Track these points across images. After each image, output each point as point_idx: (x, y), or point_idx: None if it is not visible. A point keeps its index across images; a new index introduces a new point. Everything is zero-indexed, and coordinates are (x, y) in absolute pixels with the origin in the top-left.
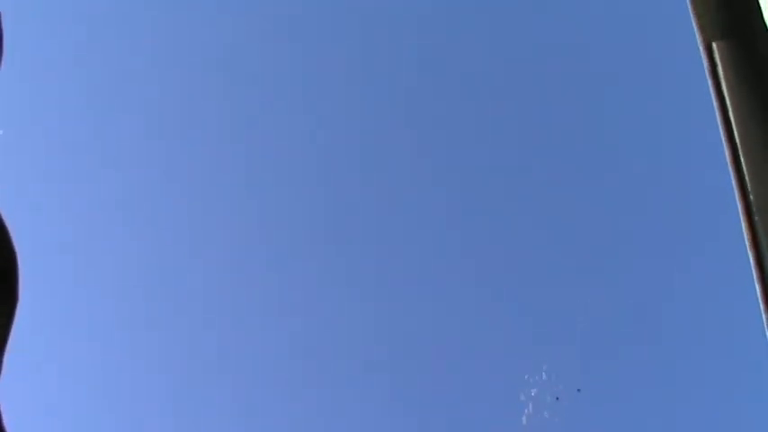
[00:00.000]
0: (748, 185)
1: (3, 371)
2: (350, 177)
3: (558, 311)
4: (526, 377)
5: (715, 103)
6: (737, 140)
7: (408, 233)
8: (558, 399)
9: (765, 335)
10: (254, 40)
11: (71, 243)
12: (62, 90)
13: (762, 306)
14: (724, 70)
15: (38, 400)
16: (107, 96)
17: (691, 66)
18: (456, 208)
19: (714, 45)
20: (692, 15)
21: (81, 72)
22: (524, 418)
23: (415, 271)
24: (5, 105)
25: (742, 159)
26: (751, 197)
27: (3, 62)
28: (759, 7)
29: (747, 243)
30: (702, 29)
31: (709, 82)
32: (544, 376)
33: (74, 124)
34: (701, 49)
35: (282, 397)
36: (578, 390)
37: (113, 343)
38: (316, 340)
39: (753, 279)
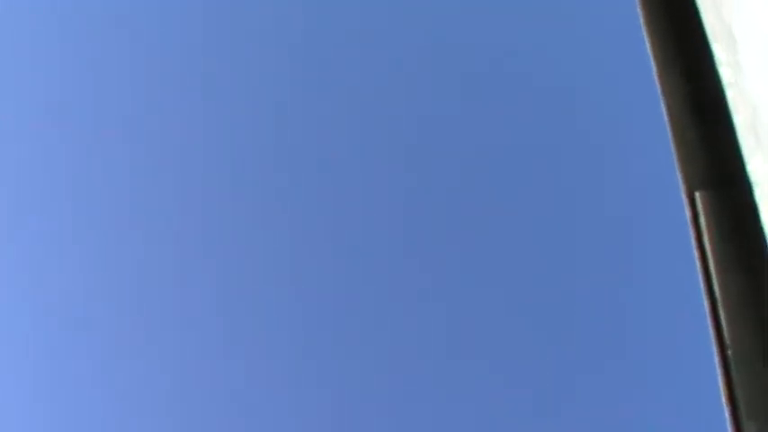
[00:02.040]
0: (726, 339)
1: None
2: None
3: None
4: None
5: (695, 253)
6: (717, 292)
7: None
8: None
9: None
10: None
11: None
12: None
13: None
14: (706, 220)
15: None
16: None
17: (673, 215)
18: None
19: (697, 194)
20: (675, 164)
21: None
22: None
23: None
24: None
25: (720, 312)
26: (729, 351)
27: None
28: (742, 158)
29: (724, 398)
30: (686, 178)
31: (691, 231)
32: None
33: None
34: (684, 198)
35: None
36: None
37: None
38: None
39: None
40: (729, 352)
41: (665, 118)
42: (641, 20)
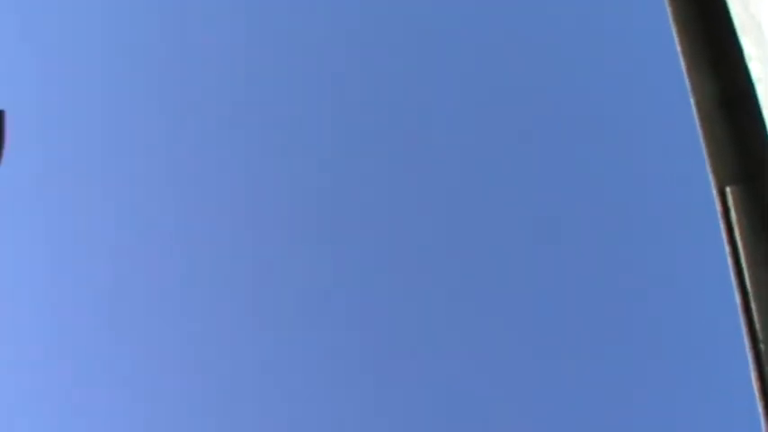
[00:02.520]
0: (758, 333)
1: None
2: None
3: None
4: None
5: (726, 248)
6: (748, 286)
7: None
8: None
9: None
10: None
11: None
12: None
13: None
14: (736, 215)
15: None
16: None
17: (703, 210)
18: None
19: (727, 189)
20: (706, 160)
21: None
22: None
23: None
24: None
25: (752, 306)
26: (761, 346)
27: (2, 159)
28: None
29: (757, 393)
30: (716, 173)
31: (722, 226)
32: None
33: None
34: (715, 193)
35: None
36: None
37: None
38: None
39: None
40: (762, 346)
41: (695, 113)
42: (670, 15)
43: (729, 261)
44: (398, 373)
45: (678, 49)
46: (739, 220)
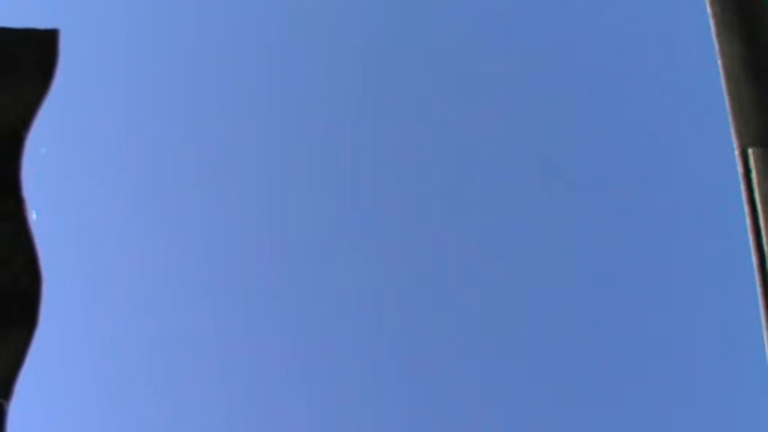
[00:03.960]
0: None
1: (14, 393)
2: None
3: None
4: None
5: (746, 208)
6: (766, 247)
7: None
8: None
9: None
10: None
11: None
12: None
13: None
14: (757, 176)
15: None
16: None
17: (725, 170)
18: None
19: (750, 151)
20: (730, 121)
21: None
22: None
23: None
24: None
25: None
26: None
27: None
28: None
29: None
30: (739, 135)
31: (742, 186)
32: None
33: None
34: (737, 154)
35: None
36: None
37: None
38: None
39: None
40: None
41: (722, 75)
42: None
43: (748, 221)
44: (401, 372)
45: (708, 11)
46: (760, 181)
